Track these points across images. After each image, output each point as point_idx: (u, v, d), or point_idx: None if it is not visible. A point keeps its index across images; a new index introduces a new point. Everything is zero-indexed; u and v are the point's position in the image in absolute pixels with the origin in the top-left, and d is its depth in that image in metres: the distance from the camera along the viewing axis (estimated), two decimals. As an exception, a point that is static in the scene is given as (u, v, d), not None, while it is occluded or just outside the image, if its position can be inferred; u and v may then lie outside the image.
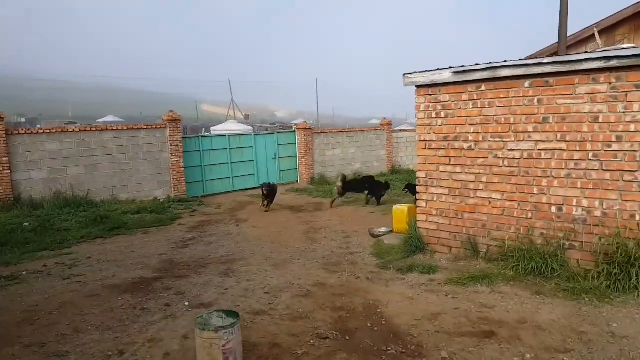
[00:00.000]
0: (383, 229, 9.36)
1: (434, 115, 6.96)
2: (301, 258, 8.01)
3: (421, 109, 7.08)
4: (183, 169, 16.46)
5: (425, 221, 7.25)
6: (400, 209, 9.02)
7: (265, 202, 13.83)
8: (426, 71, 6.81)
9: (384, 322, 5.05)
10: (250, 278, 6.95)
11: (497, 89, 6.30)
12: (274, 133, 19.82)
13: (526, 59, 6.41)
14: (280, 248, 8.79)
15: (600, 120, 5.57)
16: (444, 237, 7.07)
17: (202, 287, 6.64)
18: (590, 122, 5.64)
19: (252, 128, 38.19)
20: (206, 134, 26.72)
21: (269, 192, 13.82)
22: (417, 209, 7.31)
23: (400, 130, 23.02)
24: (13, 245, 9.57)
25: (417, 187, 7.31)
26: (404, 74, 7.05)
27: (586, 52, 5.57)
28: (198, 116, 60.99)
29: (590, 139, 5.65)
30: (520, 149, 6.18)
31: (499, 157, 6.37)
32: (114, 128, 15.45)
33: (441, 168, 6.94)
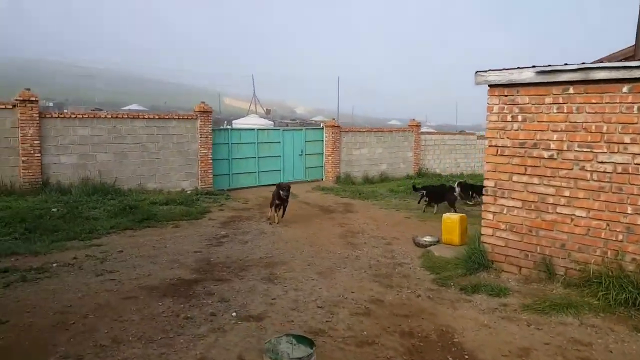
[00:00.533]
0: (428, 238, 8.56)
1: (509, 119, 6.13)
2: (346, 266, 7.23)
3: (494, 111, 6.25)
4: (211, 161, 15.81)
5: (492, 236, 6.43)
6: (451, 219, 8.22)
7: (279, 212, 10.78)
8: (503, 69, 5.98)
9: (466, 357, 4.26)
10: (297, 287, 6.19)
11: (588, 93, 5.46)
12: (301, 129, 19.05)
13: (593, 62, 5.57)
14: (320, 252, 8.02)
15: None
16: (512, 255, 6.25)
17: (247, 294, 5.90)
18: (702, 135, 4.81)
19: (272, 123, 37.62)
20: (234, 127, 26.09)
21: (287, 196, 10.71)
22: (483, 221, 6.48)
23: (428, 133, 22.12)
24: (42, 232, 8.95)
25: (483, 196, 6.49)
26: (476, 72, 6.22)
27: None
28: (220, 109, 60.54)
29: (700, 155, 4.82)
30: (613, 162, 5.34)
31: (586, 170, 5.53)
32: (145, 116, 14.83)
33: (515, 178, 6.12)
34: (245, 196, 15.13)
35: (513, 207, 6.17)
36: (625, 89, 5.20)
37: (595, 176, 5.47)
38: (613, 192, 5.35)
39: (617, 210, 5.34)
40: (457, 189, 13.03)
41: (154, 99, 70.04)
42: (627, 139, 5.23)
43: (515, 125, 6.06)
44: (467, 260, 6.53)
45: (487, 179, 6.39)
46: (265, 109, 54.63)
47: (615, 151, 5.31)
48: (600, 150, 5.41)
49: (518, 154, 6.06)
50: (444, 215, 8.41)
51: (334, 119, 19.21)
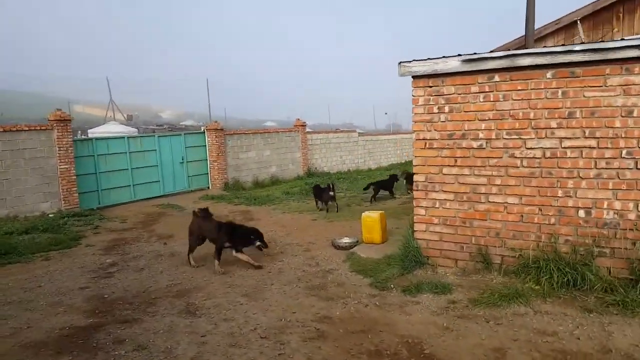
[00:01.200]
0: (347, 240, 8.29)
1: (435, 110, 6.03)
2: (273, 282, 6.60)
3: (419, 103, 6.11)
4: (75, 177, 13.94)
5: (425, 231, 6.30)
6: (371, 217, 8.02)
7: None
8: (428, 59, 5.86)
9: (448, 370, 3.97)
10: (226, 316, 5.41)
11: (513, 80, 5.54)
12: (180, 134, 17.77)
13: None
14: (236, 270, 7.30)
15: (635, 114, 5.06)
16: (448, 249, 6.18)
17: (168, 335, 4.98)
18: (623, 116, 5.11)
19: (136, 130, 34.98)
20: (91, 136, 23.55)
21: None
22: (415, 217, 6.33)
23: (314, 132, 22.18)
24: None
25: (414, 191, 6.33)
26: (400, 62, 6.03)
27: (623, 39, 5.03)
28: (71, 118, 54.76)
29: (623, 135, 5.12)
30: (541, 147, 5.48)
31: (516, 157, 5.62)
32: (-15, 130, 12.52)
33: (445, 170, 6.05)
34: (121, 214, 13.59)
35: (445, 200, 6.10)
36: (549, 74, 5.35)
37: (525, 162, 5.59)
38: (543, 177, 5.51)
39: (548, 194, 5.50)
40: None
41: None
42: (553, 124, 5.40)
43: (443, 117, 5.99)
44: (402, 258, 6.33)
45: (417, 173, 6.24)
46: (125, 115, 50.70)
47: (543, 136, 5.46)
48: (529, 137, 5.54)
49: (447, 146, 6.00)
50: (363, 214, 8.19)
51: (216, 122, 18.20)
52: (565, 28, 8.79)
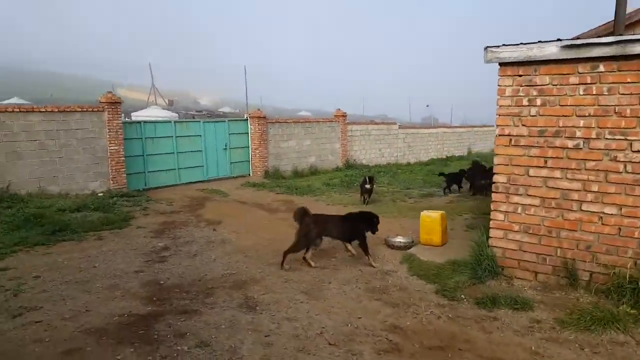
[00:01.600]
0: (401, 239, 7.68)
1: (525, 103, 5.36)
2: (330, 280, 6.05)
3: (506, 94, 5.45)
4: (123, 158, 13.74)
5: (502, 238, 5.65)
6: (431, 217, 7.39)
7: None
8: (521, 44, 5.18)
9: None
10: (288, 315, 4.93)
11: (621, 71, 4.82)
12: (224, 121, 17.40)
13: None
14: (292, 264, 6.78)
15: None
16: (527, 260, 5.52)
17: (230, 331, 4.53)
18: None
19: (177, 115, 35.00)
20: (134, 119, 23.52)
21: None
22: (492, 223, 5.69)
23: (354, 123, 21.52)
24: None
25: (493, 194, 5.69)
26: (487, 47, 5.37)
27: None
28: (121, 101, 55.35)
29: None
30: (650, 151, 4.79)
31: (618, 161, 4.92)
32: (42, 110, 12.35)
33: (532, 171, 5.39)
34: (167, 196, 13.31)
35: (530, 205, 5.44)
36: (665, 67, 4.63)
37: (629, 167, 4.88)
38: (650, 185, 4.80)
39: (654, 205, 4.80)
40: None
41: (37, 92, 62.26)
42: (666, 125, 4.69)
43: (533, 111, 5.32)
44: (472, 266, 5.70)
45: (499, 173, 5.59)
46: (167, 100, 50.96)
47: (654, 139, 4.75)
48: (636, 138, 4.83)
49: (536, 144, 5.33)
50: (422, 213, 7.57)
51: (259, 109, 17.78)
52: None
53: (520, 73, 5.33)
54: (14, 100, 40.04)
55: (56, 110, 12.51)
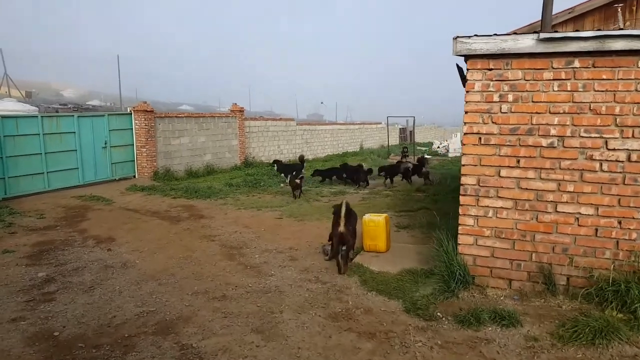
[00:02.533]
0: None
1: (495, 99, 4.82)
2: (281, 307, 5.01)
3: (475, 89, 4.87)
4: (-24, 161, 11.17)
5: (473, 245, 5.09)
6: (375, 222, 6.68)
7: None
8: (494, 35, 4.63)
9: None
10: (246, 366, 3.85)
11: (597, 67, 4.49)
12: (104, 115, 15.16)
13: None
14: (221, 289, 5.58)
15: None
16: (501, 267, 5.03)
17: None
18: None
19: (37, 109, 30.68)
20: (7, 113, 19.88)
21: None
22: (460, 228, 5.10)
23: (252, 119, 20.31)
24: None
25: (461, 197, 5.09)
26: (456, 37, 4.74)
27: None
28: None
29: None
30: (627, 149, 4.50)
31: (594, 159, 4.61)
32: None
33: (503, 172, 4.87)
34: (36, 207, 11.09)
35: (502, 207, 4.94)
36: (641, 62, 4.38)
37: (605, 166, 4.59)
38: (626, 184, 4.55)
39: (631, 204, 4.56)
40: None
41: None
42: (643, 122, 4.45)
43: (505, 107, 4.80)
44: (444, 277, 5.09)
45: (466, 174, 5.00)
46: (23, 91, 44.56)
47: (630, 136, 4.49)
48: (612, 136, 4.53)
49: (508, 143, 4.83)
50: (364, 217, 6.83)
51: (145, 102, 15.76)
52: (576, 18, 8.08)
53: (491, 67, 4.79)
54: None
55: None
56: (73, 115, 14.43)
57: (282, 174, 15.06)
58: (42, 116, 13.64)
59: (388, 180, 14.74)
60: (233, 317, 4.75)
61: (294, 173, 12.74)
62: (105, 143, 14.78)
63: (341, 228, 5.84)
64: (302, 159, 14.25)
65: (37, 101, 43.11)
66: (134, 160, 15.59)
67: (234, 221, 9.49)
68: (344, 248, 6.00)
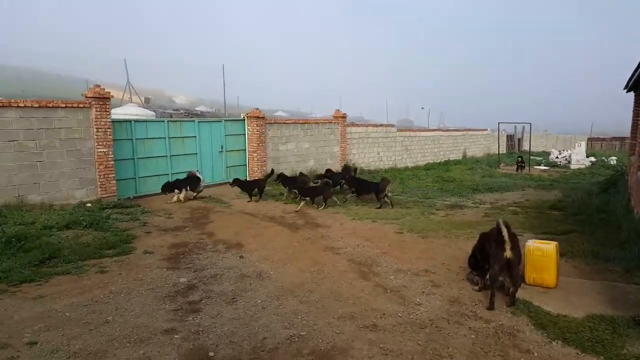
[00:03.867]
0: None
1: None
2: (452, 353, 4.29)
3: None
4: (112, 162, 11.77)
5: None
6: (542, 250, 5.70)
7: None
8: None
9: None
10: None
11: None
12: (220, 121, 15.53)
13: None
14: (369, 317, 5.00)
15: None
16: None
17: None
18: None
19: (154, 113, 32.65)
20: (118, 117, 21.29)
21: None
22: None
23: (353, 125, 19.91)
24: None
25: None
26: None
27: None
28: (111, 96, 51.71)
29: None
30: None
31: None
32: (21, 104, 10.22)
33: None
34: (163, 207, 11.47)
35: None
36: None
37: None
38: None
39: None
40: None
41: (6, 88, 57.81)
42: None
43: None
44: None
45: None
46: (143, 97, 47.96)
47: None
48: None
49: None
50: (527, 243, 5.90)
51: (257, 109, 15.94)
52: None
53: None
54: (-20, 94, 36.62)
55: (36, 105, 10.43)
56: (194, 121, 14.90)
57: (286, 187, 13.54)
58: (168, 121, 14.21)
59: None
60: (395, 356, 4.24)
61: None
62: (222, 147, 15.11)
63: (507, 253, 5.05)
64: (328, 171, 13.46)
65: (153, 107, 46.21)
66: (245, 165, 15.82)
67: (352, 233, 9.06)
68: (500, 278, 5.20)
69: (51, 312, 4.98)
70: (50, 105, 10.69)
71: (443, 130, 26.56)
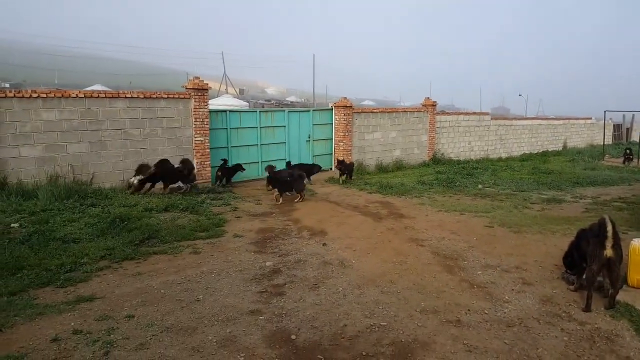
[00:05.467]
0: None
1: None
2: (540, 354, 3.94)
3: None
4: (209, 150, 12.35)
5: None
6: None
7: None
8: None
9: None
10: None
11: None
12: (309, 110, 15.70)
13: None
14: (453, 312, 4.79)
15: None
16: None
17: None
18: None
19: (247, 104, 33.91)
20: (215, 107, 22.43)
21: None
22: None
23: (443, 113, 19.15)
24: (-3, 273, 5.45)
25: None
26: None
27: None
28: (209, 87, 55.35)
29: None
30: None
31: None
32: (127, 95, 11.06)
33: None
34: (252, 193, 11.83)
35: None
36: None
37: None
38: None
39: None
40: None
41: (117, 79, 63.57)
42: None
43: None
44: None
45: None
46: (238, 88, 50.19)
47: None
48: None
49: None
50: (633, 242, 5.32)
51: (345, 98, 15.85)
52: None
53: None
54: (97, 86, 40.64)
55: (142, 96, 11.23)
56: (284, 111, 15.21)
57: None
58: (260, 111, 14.64)
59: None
60: (479, 353, 3.99)
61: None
62: (309, 137, 15.28)
63: (608, 252, 4.56)
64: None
65: (246, 97, 48.20)
66: (331, 154, 15.87)
67: (438, 225, 8.71)
68: (599, 279, 4.70)
69: (148, 289, 5.34)
70: (154, 96, 11.47)
71: (541, 119, 24.69)
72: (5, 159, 9.19)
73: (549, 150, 22.59)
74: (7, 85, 44.35)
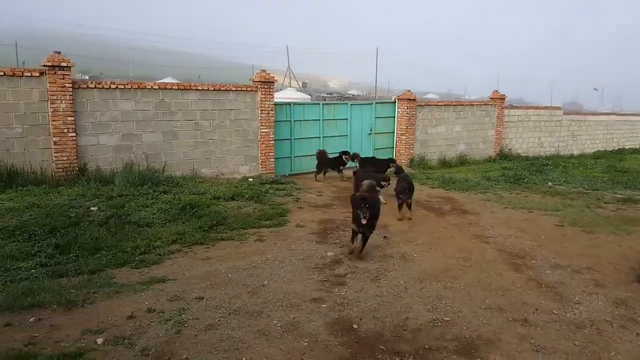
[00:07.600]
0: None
1: None
2: (613, 358, 3.83)
3: None
4: (273, 142, 12.59)
5: None
6: None
7: None
8: None
9: None
10: None
11: None
12: (371, 103, 15.59)
13: None
14: (519, 310, 4.60)
15: None
16: None
17: None
18: None
19: (309, 97, 34.15)
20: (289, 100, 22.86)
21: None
22: None
23: (511, 107, 18.34)
24: (78, 252, 5.90)
25: None
26: None
27: None
28: (274, 80, 56.71)
29: None
30: None
31: None
32: (199, 88, 11.50)
33: None
34: (313, 185, 11.94)
35: None
36: None
37: None
38: None
39: None
40: None
41: (187, 72, 66.28)
42: None
43: None
44: None
45: None
46: (301, 82, 50.75)
47: None
48: None
49: None
50: None
51: (409, 91, 15.56)
52: None
53: None
54: (169, 79, 42.57)
55: (212, 89, 11.64)
56: (347, 104, 15.21)
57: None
58: (323, 104, 14.73)
59: None
60: (547, 353, 3.83)
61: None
62: (371, 130, 15.18)
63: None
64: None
65: (309, 90, 48.60)
66: (392, 147, 15.68)
67: (504, 222, 8.39)
68: None
69: (216, 273, 5.56)
70: (223, 88, 11.86)
71: (618, 115, 22.95)
72: (85, 146, 9.87)
73: (626, 147, 21.02)
74: (87, 77, 47.56)
